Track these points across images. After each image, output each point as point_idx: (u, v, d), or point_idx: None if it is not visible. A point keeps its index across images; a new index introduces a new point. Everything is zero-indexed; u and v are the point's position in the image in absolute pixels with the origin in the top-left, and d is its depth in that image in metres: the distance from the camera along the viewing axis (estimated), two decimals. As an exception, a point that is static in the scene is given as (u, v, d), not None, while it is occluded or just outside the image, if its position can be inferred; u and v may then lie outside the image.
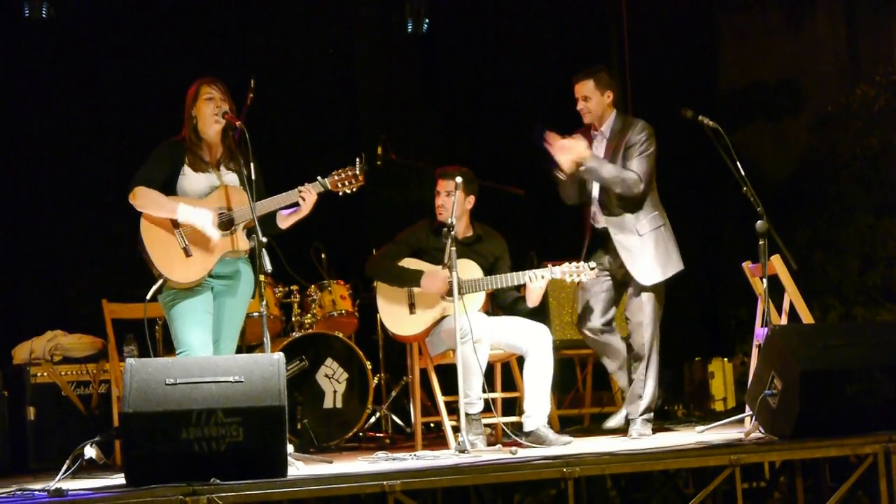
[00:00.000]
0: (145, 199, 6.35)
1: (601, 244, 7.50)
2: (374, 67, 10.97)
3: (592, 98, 7.45)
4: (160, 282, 6.35)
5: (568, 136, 7.43)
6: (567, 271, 7.32)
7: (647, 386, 7.37)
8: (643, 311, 7.33)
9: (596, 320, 7.49)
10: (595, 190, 7.48)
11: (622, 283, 7.46)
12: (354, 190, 6.72)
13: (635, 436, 7.30)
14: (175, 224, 6.38)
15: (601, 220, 7.46)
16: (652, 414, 7.45)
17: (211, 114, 6.47)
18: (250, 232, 6.41)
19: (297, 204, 6.59)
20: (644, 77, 10.87)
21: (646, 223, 7.36)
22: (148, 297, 6.35)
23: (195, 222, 6.35)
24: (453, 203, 7.14)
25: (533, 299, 7.44)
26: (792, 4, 11.01)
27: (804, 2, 10.95)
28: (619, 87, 7.63)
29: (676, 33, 11.06)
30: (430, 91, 11.16)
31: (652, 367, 7.36)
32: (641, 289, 7.34)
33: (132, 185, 6.35)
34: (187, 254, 6.36)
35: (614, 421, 7.57)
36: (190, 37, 10.01)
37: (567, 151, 7.29)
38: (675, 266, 7.41)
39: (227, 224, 6.44)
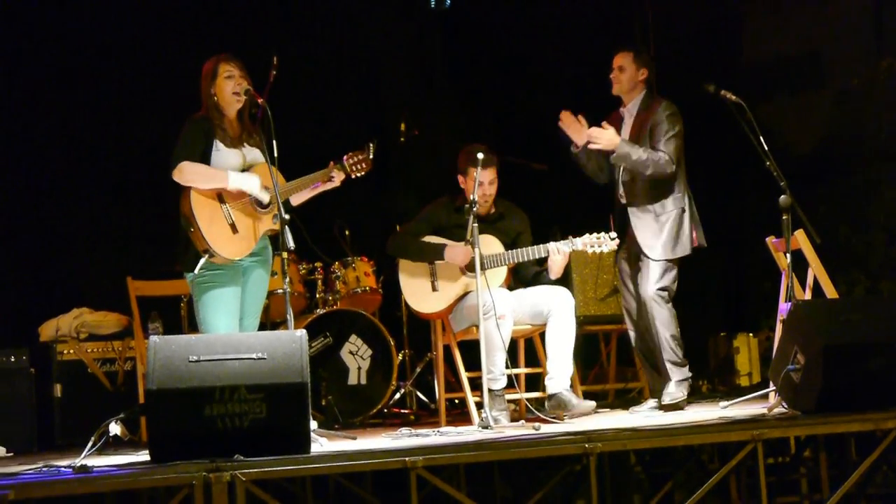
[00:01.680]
0: (193, 174, 6.37)
1: (624, 222, 7.53)
2: (397, 43, 10.95)
3: (627, 70, 7.51)
4: (206, 256, 6.36)
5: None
6: (588, 242, 7.36)
7: (661, 343, 7.35)
8: (645, 284, 7.36)
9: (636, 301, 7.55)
10: (619, 171, 7.51)
11: (638, 255, 7.49)
12: (364, 174, 6.76)
13: (667, 400, 7.30)
14: (221, 200, 6.41)
15: (624, 197, 7.50)
16: (686, 371, 7.44)
17: (231, 92, 6.50)
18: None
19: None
20: (668, 51, 10.82)
21: (668, 203, 7.40)
22: (196, 269, 6.36)
23: (246, 187, 6.40)
24: (475, 185, 7.12)
25: (555, 271, 7.46)
26: (817, -25, 10.94)
27: (829, -28, 10.88)
28: (654, 71, 7.65)
29: (700, 6, 11.00)
30: (453, 67, 11.14)
31: (660, 330, 7.34)
32: (650, 263, 7.36)
33: (175, 161, 6.37)
34: (234, 230, 6.40)
35: (641, 408, 7.57)
36: (210, 13, 10.00)
37: (596, 140, 7.32)
38: (683, 249, 7.43)
39: (264, 204, 6.48)
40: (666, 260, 7.38)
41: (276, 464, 5.29)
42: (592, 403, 7.34)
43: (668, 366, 7.39)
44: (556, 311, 7.40)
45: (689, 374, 7.50)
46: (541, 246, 7.40)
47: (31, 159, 9.55)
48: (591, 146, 7.39)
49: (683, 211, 7.43)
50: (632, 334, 7.69)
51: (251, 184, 6.42)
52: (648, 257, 7.39)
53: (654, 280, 7.36)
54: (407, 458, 5.42)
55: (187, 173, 6.37)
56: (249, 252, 6.50)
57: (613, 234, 7.37)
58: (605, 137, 7.33)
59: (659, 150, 7.31)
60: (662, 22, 10.94)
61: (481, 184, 7.43)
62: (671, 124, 7.39)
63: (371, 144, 6.76)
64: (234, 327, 6.45)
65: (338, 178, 6.71)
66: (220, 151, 6.48)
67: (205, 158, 6.45)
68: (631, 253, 7.56)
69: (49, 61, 9.63)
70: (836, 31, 10.83)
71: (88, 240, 9.69)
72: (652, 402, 7.55)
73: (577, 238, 7.39)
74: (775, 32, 11.15)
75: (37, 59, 9.57)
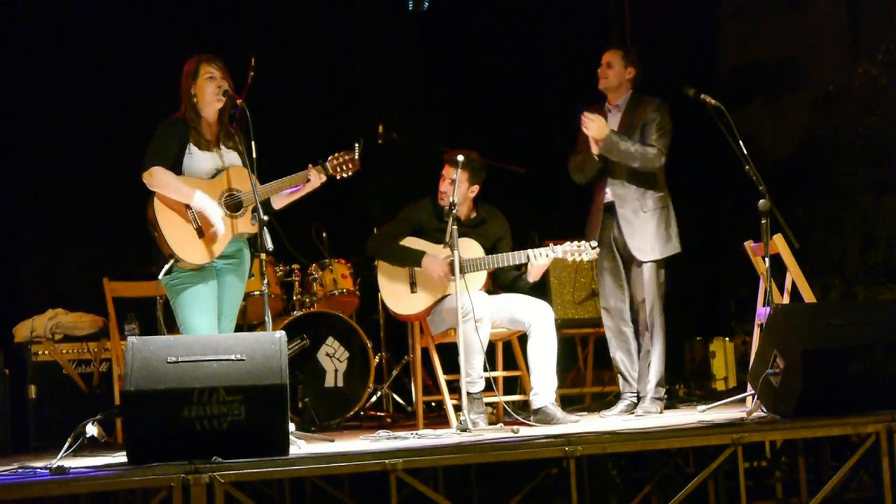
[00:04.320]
0: (161, 182, 6.32)
1: (609, 219, 7.54)
2: (375, 46, 10.94)
3: (615, 67, 7.60)
4: (171, 261, 6.32)
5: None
6: (569, 250, 7.34)
7: (653, 362, 7.43)
8: (644, 287, 7.41)
9: (620, 302, 7.56)
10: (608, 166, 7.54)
11: (627, 259, 7.52)
12: (351, 174, 6.73)
13: (640, 413, 7.37)
14: (187, 205, 6.36)
15: (608, 194, 7.50)
16: (663, 391, 7.50)
17: (212, 93, 6.45)
18: (252, 211, 6.39)
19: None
20: (645, 54, 10.79)
21: (651, 202, 7.44)
22: (161, 276, 6.34)
23: (208, 213, 6.33)
24: (454, 188, 7.13)
25: (534, 274, 7.45)
26: (793, -20, 10.99)
27: (805, -22, 10.93)
28: (642, 73, 7.67)
29: (677, 10, 11.03)
30: (431, 70, 11.13)
31: (657, 344, 7.42)
32: (640, 265, 7.40)
33: (146, 164, 6.32)
34: (200, 234, 6.35)
35: (615, 410, 7.60)
36: (189, 16, 9.96)
37: (587, 126, 7.34)
38: (673, 247, 7.50)
39: (236, 206, 6.43)
40: (656, 260, 7.40)
41: (255, 465, 5.26)
42: (577, 418, 7.36)
43: (652, 382, 7.42)
44: (537, 326, 7.39)
45: (665, 396, 7.57)
46: (521, 252, 7.38)
47: (4, 159, 9.50)
48: (584, 131, 7.40)
49: (666, 208, 7.46)
50: (610, 336, 7.69)
51: (214, 213, 6.35)
52: (641, 260, 7.41)
53: (651, 283, 7.39)
54: (387, 461, 5.40)
55: (156, 179, 6.33)
56: (218, 255, 6.44)
57: (594, 243, 7.37)
58: (595, 125, 7.35)
59: (650, 144, 7.35)
60: (640, 26, 10.95)
61: (442, 177, 7.54)
62: (665, 121, 7.45)
63: (357, 145, 6.73)
64: (213, 324, 6.41)
65: (316, 179, 6.66)
66: (193, 154, 6.45)
67: (177, 161, 6.42)
68: (615, 253, 7.56)
69: (21, 64, 9.58)
70: (812, 37, 10.88)
71: (64, 240, 9.65)
72: (621, 406, 7.57)
73: (558, 245, 7.36)
74: (753, 37, 11.19)
75: (9, 62, 9.51)
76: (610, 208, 7.54)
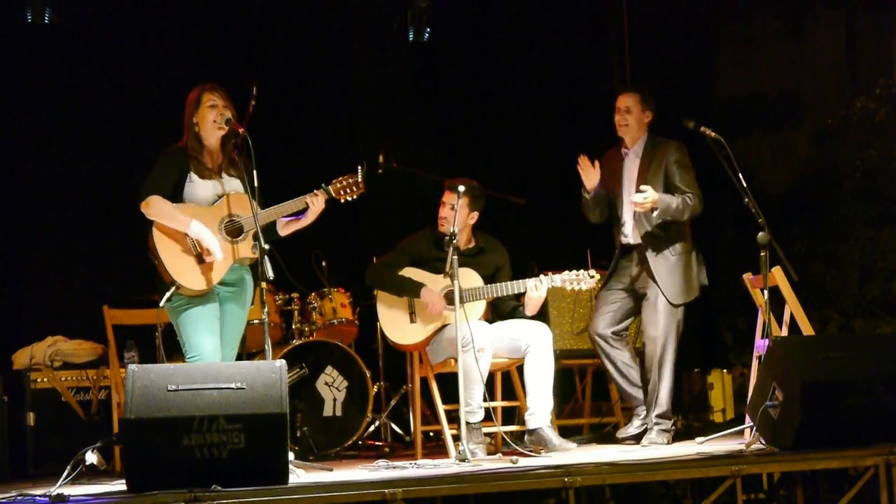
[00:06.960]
0: (159, 210, 6.34)
1: (629, 258, 7.54)
2: (374, 75, 10.95)
3: (633, 112, 7.58)
4: (173, 288, 6.33)
5: (596, 155, 7.59)
6: (567, 279, 7.37)
7: (660, 396, 7.42)
8: (658, 325, 7.40)
9: (607, 328, 7.56)
10: (622, 209, 7.53)
11: (641, 296, 7.51)
12: (355, 197, 6.74)
13: (646, 443, 7.38)
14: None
15: (634, 237, 7.52)
16: (670, 423, 7.49)
17: (213, 121, 6.47)
18: (254, 238, 6.41)
19: (301, 212, 6.62)
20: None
21: (678, 246, 7.46)
22: (162, 303, 6.34)
23: (205, 242, 6.34)
24: (455, 215, 7.15)
25: (531, 308, 7.48)
26: (791, 14, 11.00)
27: (804, 12, 10.94)
28: (657, 113, 7.69)
29: (675, 42, 11.07)
30: (431, 99, 11.15)
31: (665, 379, 7.41)
32: (663, 305, 7.40)
33: (144, 193, 6.35)
34: (199, 261, 6.36)
35: (628, 431, 7.60)
36: (190, 43, 10.00)
37: (642, 206, 7.33)
38: (693, 292, 7.55)
39: (236, 232, 6.44)
40: (678, 304, 7.42)
41: (254, 494, 5.26)
42: (573, 445, 7.35)
43: (657, 417, 7.43)
44: (534, 346, 7.40)
45: (672, 428, 7.57)
46: (520, 281, 7.41)
47: (5, 186, 9.51)
48: (637, 209, 7.37)
49: (693, 252, 7.49)
50: (604, 361, 7.67)
51: (211, 242, 6.36)
52: (671, 303, 7.43)
53: (669, 322, 7.42)
54: (386, 490, 5.41)
55: (153, 208, 6.36)
56: (218, 281, 6.46)
57: (593, 272, 7.39)
58: (647, 201, 7.33)
59: (684, 190, 7.39)
60: (638, 57, 10.99)
61: (442, 204, 7.57)
62: (688, 162, 7.51)
63: (361, 168, 6.75)
64: (217, 344, 6.41)
65: (319, 202, 6.63)
66: (194, 183, 6.47)
67: (177, 190, 6.44)
68: (627, 292, 7.58)
69: (23, 89, 9.60)
70: (811, 70, 10.91)
71: (64, 267, 9.64)
72: (636, 423, 7.57)
73: (557, 275, 7.40)
74: (751, 69, 11.22)
75: (9, 87, 9.54)
76: (631, 249, 7.56)
